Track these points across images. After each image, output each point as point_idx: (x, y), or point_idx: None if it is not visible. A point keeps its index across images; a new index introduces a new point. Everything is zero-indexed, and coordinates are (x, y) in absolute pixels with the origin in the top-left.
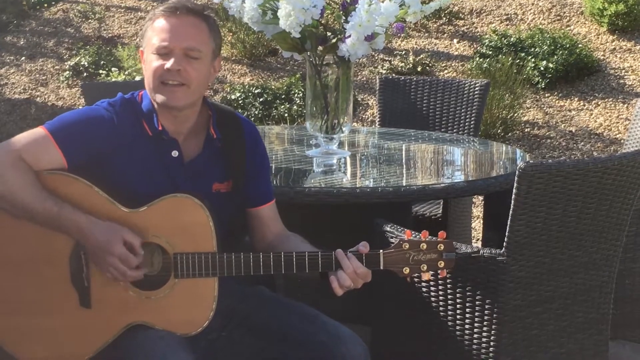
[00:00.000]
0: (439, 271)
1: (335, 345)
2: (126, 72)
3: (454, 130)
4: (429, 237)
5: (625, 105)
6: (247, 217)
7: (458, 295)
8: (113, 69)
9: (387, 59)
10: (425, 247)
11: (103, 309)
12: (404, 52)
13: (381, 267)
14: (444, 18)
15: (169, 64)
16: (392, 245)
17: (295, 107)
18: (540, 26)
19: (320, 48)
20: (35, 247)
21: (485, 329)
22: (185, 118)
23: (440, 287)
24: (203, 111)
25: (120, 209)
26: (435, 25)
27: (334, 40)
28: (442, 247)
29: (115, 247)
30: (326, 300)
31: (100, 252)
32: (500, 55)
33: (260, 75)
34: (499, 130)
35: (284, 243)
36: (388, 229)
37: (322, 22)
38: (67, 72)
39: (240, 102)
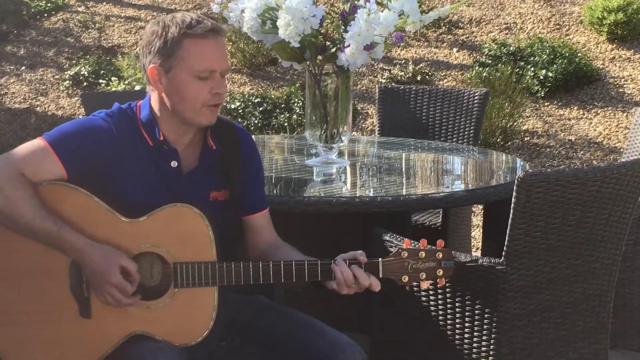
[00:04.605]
0: (438, 280)
1: (334, 352)
2: (126, 82)
3: (454, 140)
4: (428, 245)
5: (625, 114)
6: (241, 225)
7: (457, 304)
8: (113, 78)
9: (386, 68)
10: (423, 255)
11: (103, 319)
12: (403, 61)
13: (380, 276)
14: (444, 27)
15: (219, 88)
16: (391, 253)
17: (294, 116)
18: (540, 35)
19: (319, 57)
20: (36, 258)
21: (484, 337)
22: (192, 129)
23: (439, 296)
24: None
25: (120, 219)
26: (434, 35)
27: (333, 50)
28: (440, 256)
29: (113, 276)
30: (325, 309)
31: (97, 278)
32: (499, 64)
33: (260, 85)
34: (498, 139)
35: (275, 252)
36: (387, 238)
37: (322, 31)
38: (67, 81)
39: (240, 111)
